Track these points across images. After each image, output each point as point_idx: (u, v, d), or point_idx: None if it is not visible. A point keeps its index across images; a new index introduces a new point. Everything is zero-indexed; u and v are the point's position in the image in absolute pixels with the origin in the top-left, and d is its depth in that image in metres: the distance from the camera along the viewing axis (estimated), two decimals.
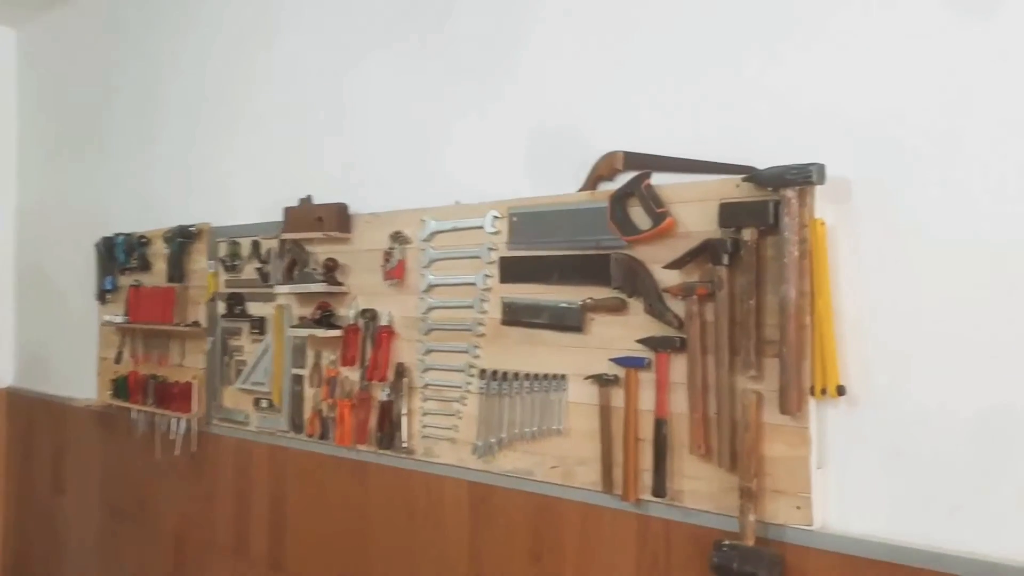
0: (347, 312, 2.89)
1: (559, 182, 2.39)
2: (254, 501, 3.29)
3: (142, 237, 3.78)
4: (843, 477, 1.92)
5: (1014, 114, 1.74)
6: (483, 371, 2.52)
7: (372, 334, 2.81)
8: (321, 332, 2.90)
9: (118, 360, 3.89)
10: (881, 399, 1.88)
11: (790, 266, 1.90)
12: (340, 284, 2.91)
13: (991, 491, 1.75)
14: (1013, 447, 1.73)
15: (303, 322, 2.99)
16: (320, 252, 2.98)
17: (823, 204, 1.93)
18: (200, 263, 3.50)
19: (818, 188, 1.92)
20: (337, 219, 2.89)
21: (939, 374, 1.81)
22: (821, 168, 1.90)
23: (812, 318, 1.92)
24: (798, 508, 1.94)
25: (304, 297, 3.02)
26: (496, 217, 2.51)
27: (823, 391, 1.91)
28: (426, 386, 2.70)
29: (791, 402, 1.91)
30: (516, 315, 2.45)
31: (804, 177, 1.90)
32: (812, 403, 1.93)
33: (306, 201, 3.03)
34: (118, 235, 3.90)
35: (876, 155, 1.89)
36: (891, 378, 1.87)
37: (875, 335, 1.88)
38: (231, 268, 3.35)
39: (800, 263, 1.90)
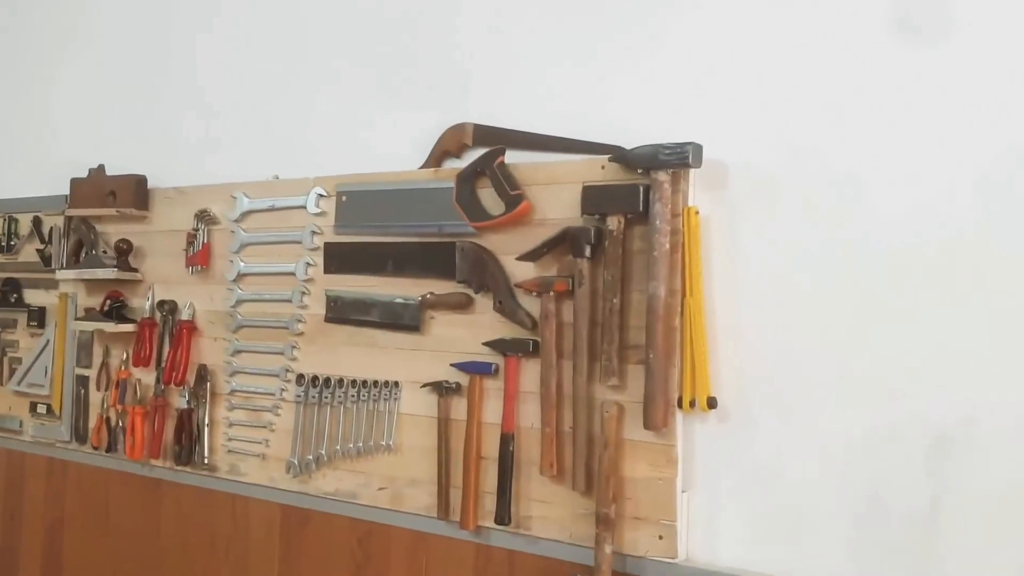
0: (142, 303, 2.76)
1: (396, 157, 2.26)
2: (25, 524, 3.11)
3: None
4: (711, 502, 1.83)
5: (917, 109, 1.64)
6: (301, 376, 2.40)
7: (171, 330, 2.68)
8: (110, 326, 2.75)
9: None
10: (755, 414, 1.79)
11: (660, 260, 1.79)
12: (134, 270, 2.77)
13: (874, 519, 1.67)
14: (901, 470, 1.65)
15: (90, 314, 2.83)
16: (112, 232, 2.83)
17: (697, 191, 1.84)
18: None
19: (693, 172, 1.82)
20: (133, 194, 2.72)
21: (820, 387, 1.72)
22: (698, 148, 1.79)
23: (682, 320, 1.82)
24: (661, 538, 1.84)
25: (92, 284, 2.88)
26: (321, 195, 2.37)
27: (692, 403, 1.81)
28: (233, 392, 2.55)
29: (656, 416, 1.79)
30: (342, 311, 2.32)
31: (679, 158, 1.78)
32: (679, 417, 1.83)
33: (97, 172, 2.83)
34: None
35: (759, 138, 1.79)
36: (767, 391, 1.78)
37: (751, 341, 1.80)
38: (6, 249, 3.19)
39: (671, 257, 1.80)
